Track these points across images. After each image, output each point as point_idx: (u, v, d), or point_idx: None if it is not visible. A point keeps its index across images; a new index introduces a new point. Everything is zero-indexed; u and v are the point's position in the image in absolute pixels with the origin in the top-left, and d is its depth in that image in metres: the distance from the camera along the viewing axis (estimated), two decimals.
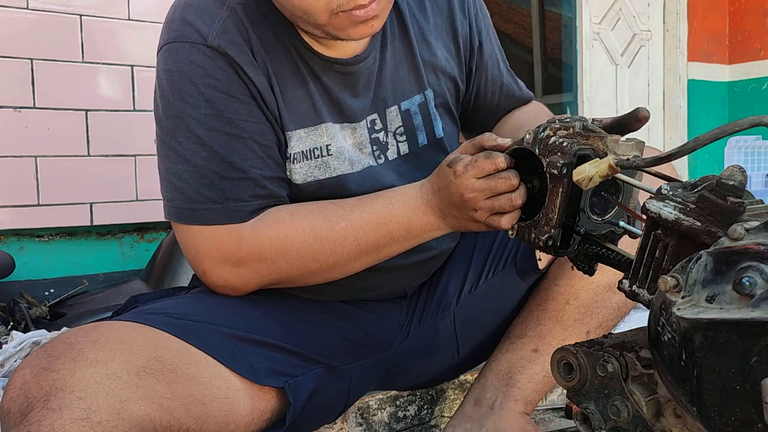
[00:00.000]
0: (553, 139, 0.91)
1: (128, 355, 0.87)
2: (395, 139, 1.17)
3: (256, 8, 1.06)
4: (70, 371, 0.82)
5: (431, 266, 1.28)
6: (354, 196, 1.10)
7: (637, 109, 0.93)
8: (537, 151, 0.92)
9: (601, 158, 0.87)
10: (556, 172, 0.89)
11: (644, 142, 0.92)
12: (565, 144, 0.90)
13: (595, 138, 0.90)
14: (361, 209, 1.04)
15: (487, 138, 0.99)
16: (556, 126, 0.92)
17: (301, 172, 1.07)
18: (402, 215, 1.03)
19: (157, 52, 1.05)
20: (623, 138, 0.89)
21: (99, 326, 0.92)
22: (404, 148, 1.18)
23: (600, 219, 0.94)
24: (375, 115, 1.15)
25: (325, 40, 1.07)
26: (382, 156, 1.16)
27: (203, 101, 1.00)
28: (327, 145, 1.09)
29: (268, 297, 1.12)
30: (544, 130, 0.92)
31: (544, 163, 0.91)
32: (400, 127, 1.17)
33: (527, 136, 0.94)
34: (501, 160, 0.95)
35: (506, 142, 0.97)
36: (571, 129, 0.92)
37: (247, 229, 1.01)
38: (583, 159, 0.88)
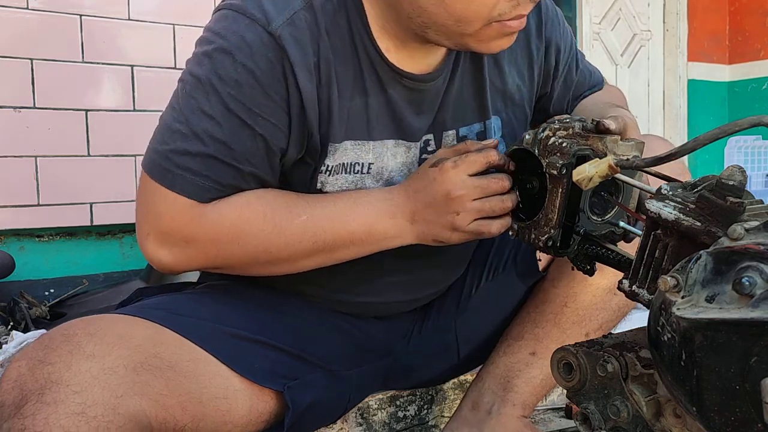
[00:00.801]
0: (552, 139, 0.91)
1: (126, 350, 0.86)
2: None
3: (335, 7, 0.99)
4: (66, 364, 0.81)
5: (445, 287, 1.27)
6: None
7: (597, 122, 0.92)
8: (536, 151, 0.92)
9: (600, 158, 0.87)
10: (555, 172, 0.89)
11: (644, 143, 0.92)
12: (564, 144, 0.90)
13: (594, 138, 0.90)
14: (323, 204, 0.99)
15: (471, 142, 0.97)
16: (556, 126, 0.92)
17: (336, 184, 1.03)
18: (365, 216, 0.99)
19: (215, 11, 0.99)
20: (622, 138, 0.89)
21: (98, 319, 0.91)
22: None
23: (600, 219, 0.94)
24: (431, 136, 1.10)
25: (403, 49, 1.03)
26: None
27: (234, 81, 0.93)
28: (370, 164, 1.04)
29: (274, 297, 1.11)
30: (543, 131, 0.92)
31: (544, 164, 0.91)
32: None
33: (527, 136, 0.94)
34: (494, 155, 0.94)
35: (491, 142, 0.96)
36: (570, 129, 0.92)
37: (209, 208, 0.96)
38: (582, 159, 0.88)
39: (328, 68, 0.98)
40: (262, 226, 0.97)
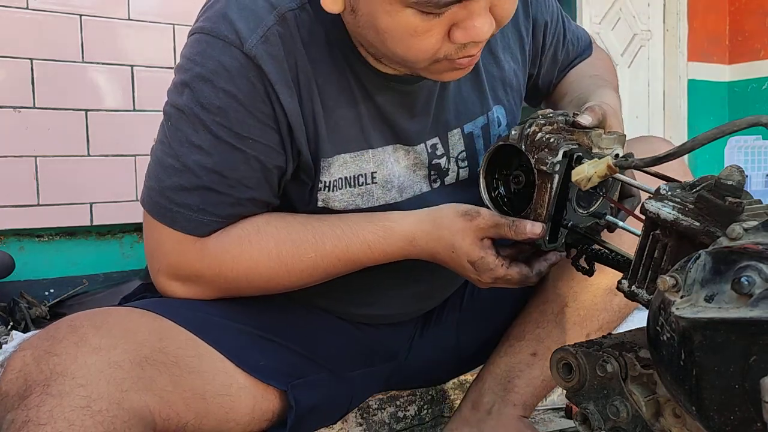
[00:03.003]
0: (539, 135, 0.91)
1: (132, 344, 0.85)
2: (457, 165, 1.10)
3: (311, 17, 0.95)
4: (71, 357, 0.80)
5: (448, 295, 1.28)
6: None
7: (573, 121, 0.92)
8: (524, 147, 0.92)
9: (589, 153, 0.88)
10: (545, 168, 0.89)
11: (625, 135, 0.92)
12: (552, 140, 0.90)
13: (579, 133, 0.91)
14: (335, 244, 0.97)
15: (517, 231, 0.91)
16: (541, 122, 0.92)
17: (342, 200, 1.01)
18: (381, 260, 0.99)
19: (189, 35, 0.97)
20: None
21: (104, 312, 0.91)
22: (464, 173, 1.11)
23: (585, 212, 0.94)
24: (436, 140, 1.07)
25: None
26: (438, 180, 1.09)
27: (217, 108, 0.92)
28: (372, 173, 1.02)
29: (282, 298, 1.09)
30: (529, 126, 0.92)
31: (532, 160, 0.91)
32: (462, 152, 1.10)
33: (512, 132, 0.93)
34: (534, 279, 0.96)
35: (537, 231, 0.90)
36: (555, 124, 0.92)
37: (212, 242, 0.96)
38: (572, 156, 0.89)
39: (308, 81, 0.95)
40: (268, 263, 0.96)
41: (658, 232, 0.75)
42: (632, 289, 0.79)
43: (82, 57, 2.30)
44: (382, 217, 0.99)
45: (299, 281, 1.00)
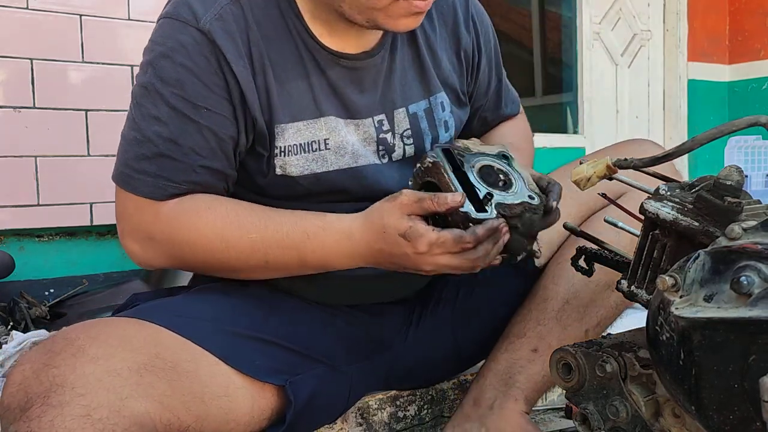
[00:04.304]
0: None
1: (129, 352, 0.87)
2: (402, 141, 1.17)
3: None
4: (70, 367, 0.81)
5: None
6: (352, 191, 1.10)
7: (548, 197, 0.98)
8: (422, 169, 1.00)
9: (459, 150, 0.98)
10: (429, 161, 0.98)
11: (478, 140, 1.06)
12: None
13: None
14: (276, 229, 1.01)
15: (440, 203, 0.93)
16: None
17: (297, 165, 1.07)
18: (319, 254, 1.00)
19: (156, 22, 1.07)
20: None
21: (99, 323, 0.92)
22: (410, 150, 1.18)
23: (507, 192, 0.97)
24: (383, 116, 1.15)
25: (335, 33, 1.09)
26: (386, 156, 1.15)
27: (175, 80, 1.01)
28: (325, 139, 1.09)
29: (267, 296, 1.12)
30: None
31: (422, 167, 0.99)
32: (407, 129, 1.17)
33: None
34: (470, 244, 0.92)
35: (458, 198, 0.93)
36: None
37: (166, 207, 1.02)
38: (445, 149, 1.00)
39: (260, 56, 1.04)
40: (211, 237, 1.01)
41: (657, 232, 0.75)
42: (632, 289, 0.79)
43: (82, 57, 2.30)
44: (328, 214, 1.03)
45: (239, 262, 1.02)
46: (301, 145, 1.07)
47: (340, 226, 1.01)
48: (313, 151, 1.08)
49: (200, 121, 1.01)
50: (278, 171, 1.07)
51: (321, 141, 1.08)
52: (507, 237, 0.94)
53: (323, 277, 1.08)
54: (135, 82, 1.06)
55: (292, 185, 1.09)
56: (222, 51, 1.01)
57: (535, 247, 1.02)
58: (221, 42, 1.01)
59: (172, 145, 1.01)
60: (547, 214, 0.98)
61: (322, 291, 1.17)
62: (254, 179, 1.09)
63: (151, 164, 1.02)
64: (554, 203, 0.98)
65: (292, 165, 1.07)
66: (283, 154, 1.06)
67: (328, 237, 1.00)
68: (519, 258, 0.99)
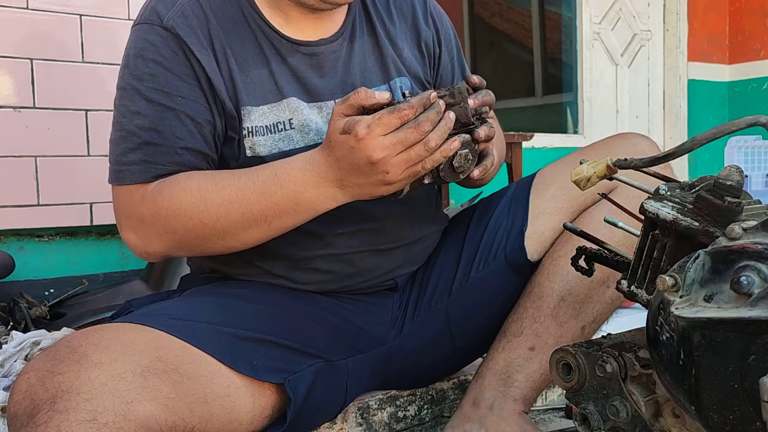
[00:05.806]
0: None
1: (131, 356, 0.88)
2: None
3: None
4: (75, 373, 0.82)
5: (418, 251, 1.29)
6: None
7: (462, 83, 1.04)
8: None
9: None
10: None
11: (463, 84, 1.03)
12: None
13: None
14: (248, 177, 1.04)
15: (364, 97, 0.97)
16: None
17: (266, 145, 1.13)
18: (288, 188, 1.02)
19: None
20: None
21: (99, 329, 0.93)
22: None
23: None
24: None
25: (292, 21, 1.16)
26: None
27: (148, 75, 1.09)
28: (290, 119, 1.14)
29: (262, 294, 1.14)
30: None
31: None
32: None
33: None
34: (407, 111, 0.94)
35: (385, 95, 0.97)
36: None
37: (150, 187, 1.07)
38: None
39: (222, 47, 1.12)
40: (190, 198, 1.04)
41: (657, 232, 0.75)
42: (632, 289, 0.79)
43: (82, 57, 2.30)
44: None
45: (220, 220, 1.03)
46: (267, 126, 1.13)
47: (302, 156, 1.04)
48: (278, 131, 1.13)
49: (176, 108, 1.08)
50: (248, 153, 1.12)
51: (286, 122, 1.14)
52: (452, 115, 0.97)
53: (312, 259, 1.14)
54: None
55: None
56: (186, 43, 1.09)
57: (475, 172, 1.06)
58: (185, 35, 1.09)
59: (153, 132, 1.07)
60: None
61: (313, 276, 1.18)
62: (228, 165, 1.14)
63: (136, 154, 1.07)
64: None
65: (261, 145, 1.12)
66: (251, 134, 1.12)
67: (294, 168, 1.02)
68: (461, 173, 1.02)
